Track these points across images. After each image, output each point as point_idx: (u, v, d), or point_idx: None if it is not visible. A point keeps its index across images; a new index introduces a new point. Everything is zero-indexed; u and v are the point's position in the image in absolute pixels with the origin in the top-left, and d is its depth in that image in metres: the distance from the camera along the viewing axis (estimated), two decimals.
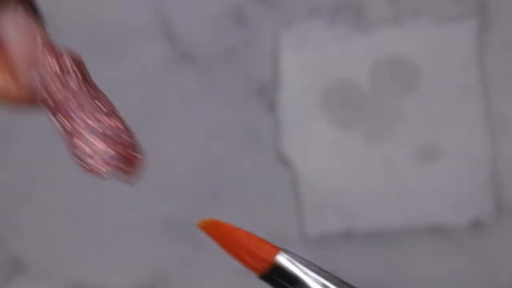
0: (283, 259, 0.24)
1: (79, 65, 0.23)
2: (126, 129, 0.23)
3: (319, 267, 0.24)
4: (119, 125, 0.23)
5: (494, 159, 0.67)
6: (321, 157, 0.68)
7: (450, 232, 0.68)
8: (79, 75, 0.23)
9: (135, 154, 0.23)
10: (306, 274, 0.24)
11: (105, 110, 0.23)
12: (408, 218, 0.67)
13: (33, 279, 0.69)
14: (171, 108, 0.70)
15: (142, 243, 0.69)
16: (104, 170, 0.23)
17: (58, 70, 0.23)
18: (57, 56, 0.23)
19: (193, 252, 0.69)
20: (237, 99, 0.69)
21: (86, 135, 0.23)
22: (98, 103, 0.23)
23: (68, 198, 0.69)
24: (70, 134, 0.23)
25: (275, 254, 0.25)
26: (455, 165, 0.67)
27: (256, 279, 0.74)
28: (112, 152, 0.23)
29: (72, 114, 0.23)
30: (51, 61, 0.23)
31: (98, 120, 0.23)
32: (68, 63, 0.23)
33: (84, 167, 0.23)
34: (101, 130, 0.23)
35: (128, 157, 0.23)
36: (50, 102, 0.23)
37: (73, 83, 0.23)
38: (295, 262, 0.24)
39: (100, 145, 0.23)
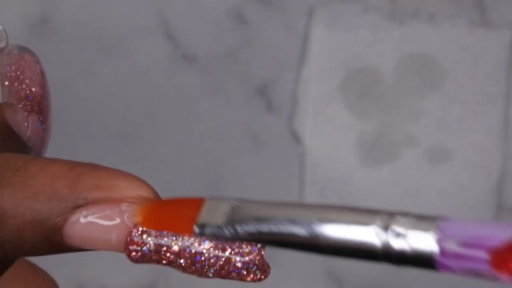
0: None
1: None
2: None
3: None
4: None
5: (501, 172, 0.67)
6: (331, 140, 0.68)
7: None
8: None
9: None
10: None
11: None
12: None
13: None
14: (171, 108, 0.70)
15: None
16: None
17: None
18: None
19: None
20: (237, 99, 0.69)
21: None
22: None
23: None
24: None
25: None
26: (462, 171, 0.67)
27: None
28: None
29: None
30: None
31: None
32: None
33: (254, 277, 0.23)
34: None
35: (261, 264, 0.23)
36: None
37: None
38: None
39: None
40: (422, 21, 0.68)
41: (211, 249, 0.22)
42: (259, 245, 0.23)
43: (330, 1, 0.69)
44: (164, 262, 0.22)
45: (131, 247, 0.22)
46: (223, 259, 0.22)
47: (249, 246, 0.23)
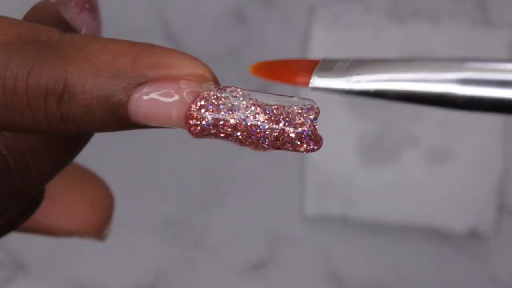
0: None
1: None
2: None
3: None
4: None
5: (502, 172, 0.67)
6: (332, 140, 0.68)
7: (446, 236, 0.68)
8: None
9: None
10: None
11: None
12: (407, 215, 0.67)
13: (33, 279, 0.69)
14: None
15: (142, 243, 0.69)
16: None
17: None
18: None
19: (193, 252, 0.69)
20: None
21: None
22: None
23: None
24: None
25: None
26: (464, 171, 0.67)
27: (256, 280, 0.74)
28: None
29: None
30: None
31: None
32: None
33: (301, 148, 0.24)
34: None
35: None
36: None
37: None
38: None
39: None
40: (423, 20, 0.67)
41: (266, 121, 0.23)
42: (311, 116, 0.24)
43: (330, 1, 0.68)
44: (222, 135, 0.24)
45: (191, 122, 0.23)
46: (277, 130, 0.23)
47: (302, 118, 0.24)
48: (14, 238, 0.69)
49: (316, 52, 0.68)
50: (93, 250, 0.69)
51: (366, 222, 0.68)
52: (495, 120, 0.67)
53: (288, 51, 0.69)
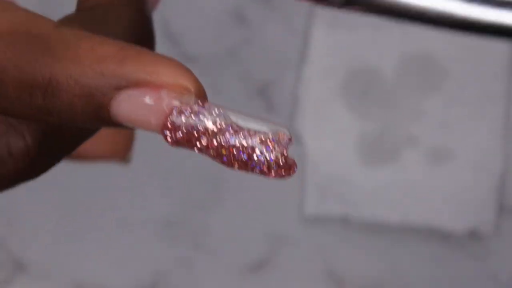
0: None
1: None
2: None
3: None
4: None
5: (502, 172, 0.67)
6: (332, 141, 0.68)
7: (446, 236, 0.68)
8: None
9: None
10: None
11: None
12: (407, 216, 0.67)
13: (33, 279, 0.69)
14: None
15: (142, 244, 0.69)
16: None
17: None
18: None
19: (193, 252, 0.69)
20: (237, 99, 0.69)
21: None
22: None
23: (68, 198, 0.69)
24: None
25: None
26: (464, 171, 0.67)
27: (256, 280, 0.74)
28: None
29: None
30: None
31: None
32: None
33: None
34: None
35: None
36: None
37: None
38: None
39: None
40: None
41: (237, 143, 0.23)
42: (282, 144, 0.24)
43: None
44: (195, 149, 0.24)
45: (166, 132, 0.24)
46: (246, 155, 0.23)
47: (273, 145, 0.24)
48: (14, 238, 0.69)
49: (316, 52, 0.68)
50: (93, 250, 0.69)
51: (366, 222, 0.68)
52: (495, 120, 0.67)
53: (288, 51, 0.69)
